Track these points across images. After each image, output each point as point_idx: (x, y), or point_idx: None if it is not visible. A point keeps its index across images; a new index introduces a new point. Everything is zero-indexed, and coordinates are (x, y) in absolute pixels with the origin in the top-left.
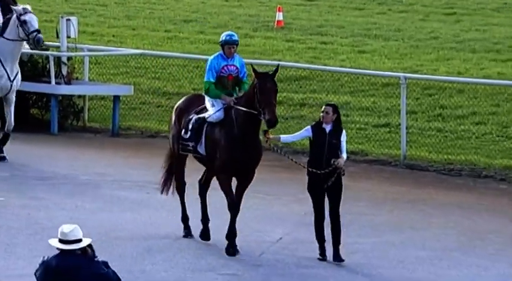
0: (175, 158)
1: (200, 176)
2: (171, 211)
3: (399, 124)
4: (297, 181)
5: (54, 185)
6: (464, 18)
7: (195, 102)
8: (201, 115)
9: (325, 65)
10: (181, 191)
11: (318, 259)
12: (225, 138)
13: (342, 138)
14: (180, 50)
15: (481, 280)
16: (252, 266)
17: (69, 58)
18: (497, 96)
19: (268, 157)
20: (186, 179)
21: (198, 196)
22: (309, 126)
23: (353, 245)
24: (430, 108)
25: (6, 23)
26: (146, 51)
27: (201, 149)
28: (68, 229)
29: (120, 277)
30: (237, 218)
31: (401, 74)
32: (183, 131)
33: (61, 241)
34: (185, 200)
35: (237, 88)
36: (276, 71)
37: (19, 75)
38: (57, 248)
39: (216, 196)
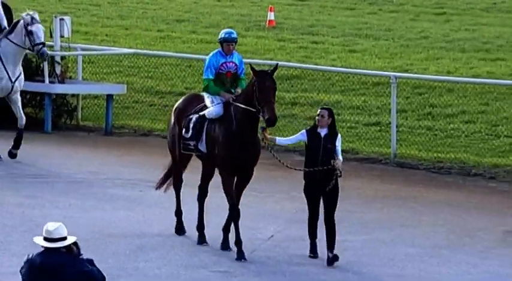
0: (175, 158)
1: (200, 181)
2: (164, 209)
3: (389, 123)
4: (290, 178)
5: (48, 183)
6: (454, 18)
7: (193, 102)
8: (201, 113)
9: (316, 64)
10: (177, 187)
11: (309, 256)
12: (223, 135)
13: (337, 143)
14: (172, 50)
15: (470, 277)
16: (243, 263)
17: (62, 57)
18: (486, 95)
19: (261, 155)
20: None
21: (197, 201)
22: (304, 131)
23: (343, 242)
24: (420, 107)
25: (14, 26)
26: (139, 51)
27: (202, 147)
28: (52, 227)
29: (114, 274)
30: (228, 216)
31: (391, 74)
32: (184, 130)
33: (46, 238)
34: (180, 197)
35: (234, 85)
36: (275, 69)
37: (22, 76)
38: (42, 246)
39: (216, 195)
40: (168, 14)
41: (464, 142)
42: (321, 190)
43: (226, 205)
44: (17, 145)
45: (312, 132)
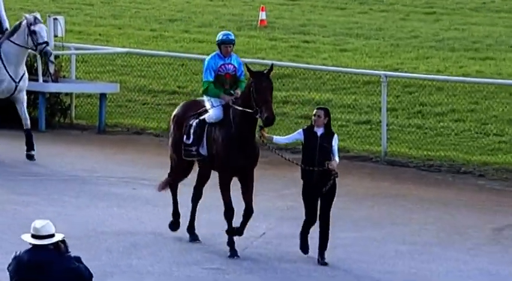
0: (179, 166)
1: (195, 183)
2: (157, 207)
3: (380, 121)
4: (281, 176)
5: (41, 181)
6: (444, 18)
7: (192, 108)
8: (201, 118)
9: (307, 63)
10: (173, 188)
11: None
12: (222, 137)
13: (333, 143)
14: (165, 49)
15: (460, 274)
16: (235, 260)
17: (56, 57)
18: (475, 93)
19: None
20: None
21: (191, 202)
22: (300, 130)
23: (334, 240)
24: (410, 106)
25: (16, 27)
26: (132, 50)
27: (203, 151)
28: (40, 224)
29: (108, 271)
30: (221, 213)
31: (382, 72)
32: (185, 137)
33: (33, 236)
34: (177, 197)
35: (234, 87)
36: (271, 69)
37: (26, 76)
38: (30, 243)
39: (210, 195)
40: (161, 14)
41: (454, 140)
42: (318, 191)
43: (219, 204)
44: (30, 146)
45: (308, 132)
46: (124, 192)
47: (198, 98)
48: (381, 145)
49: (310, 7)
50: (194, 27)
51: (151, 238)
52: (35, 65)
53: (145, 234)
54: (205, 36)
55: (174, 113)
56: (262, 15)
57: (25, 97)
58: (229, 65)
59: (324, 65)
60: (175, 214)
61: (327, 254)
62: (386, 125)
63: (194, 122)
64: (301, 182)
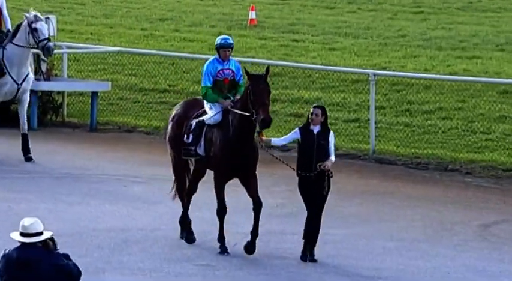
0: (177, 163)
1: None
2: (147, 204)
3: (368, 119)
4: (270, 174)
5: (34, 179)
6: (431, 17)
7: (193, 107)
8: (201, 118)
9: (296, 62)
10: (183, 194)
11: (301, 258)
12: (220, 139)
13: (330, 139)
14: (156, 48)
15: (448, 270)
16: (225, 256)
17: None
18: (462, 92)
19: None
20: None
21: (185, 195)
22: (297, 129)
23: (323, 236)
24: (398, 104)
25: (18, 27)
26: (123, 49)
27: (201, 150)
28: (28, 222)
29: (99, 268)
30: (211, 210)
31: (370, 71)
32: (185, 136)
33: (22, 234)
34: (188, 205)
35: (233, 92)
36: (267, 72)
37: (29, 76)
38: (19, 241)
39: (202, 193)
40: (152, 13)
41: (441, 137)
42: (315, 189)
43: (210, 202)
44: (26, 150)
45: (305, 130)
46: (115, 189)
47: (198, 97)
48: (370, 143)
49: (300, 6)
50: (184, 27)
51: (142, 234)
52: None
53: (137, 231)
54: (195, 36)
55: (175, 112)
56: (252, 15)
57: (27, 99)
58: (228, 70)
59: (313, 63)
60: (184, 220)
61: (316, 250)
62: (375, 123)
63: (194, 122)
64: (291, 180)
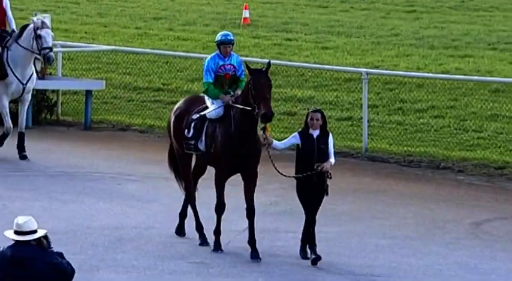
0: (181, 158)
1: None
2: (141, 201)
3: (361, 118)
4: (263, 171)
5: (28, 177)
6: (424, 16)
7: (195, 103)
8: (202, 113)
9: (290, 60)
10: (190, 190)
11: (301, 256)
12: (222, 135)
13: (329, 142)
14: (150, 46)
15: (440, 267)
16: (219, 254)
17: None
18: (455, 90)
19: None
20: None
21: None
22: (296, 133)
23: (316, 234)
24: (390, 103)
25: (23, 29)
26: (117, 48)
27: (201, 146)
28: (22, 220)
29: (93, 265)
30: (205, 209)
31: (363, 70)
32: (186, 131)
33: (16, 232)
34: (196, 204)
35: (234, 87)
36: (269, 66)
37: (33, 76)
38: (13, 239)
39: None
40: (146, 12)
41: (434, 136)
42: (314, 191)
43: (207, 201)
44: (22, 148)
45: (304, 134)
46: (110, 187)
47: (200, 94)
48: (362, 141)
49: (293, 5)
50: (178, 26)
51: (137, 232)
52: None
53: (131, 229)
54: (189, 34)
55: (177, 107)
56: (246, 14)
57: (29, 98)
58: (229, 66)
59: (306, 62)
60: (198, 226)
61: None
62: (368, 121)
63: (195, 117)
64: (285, 178)
